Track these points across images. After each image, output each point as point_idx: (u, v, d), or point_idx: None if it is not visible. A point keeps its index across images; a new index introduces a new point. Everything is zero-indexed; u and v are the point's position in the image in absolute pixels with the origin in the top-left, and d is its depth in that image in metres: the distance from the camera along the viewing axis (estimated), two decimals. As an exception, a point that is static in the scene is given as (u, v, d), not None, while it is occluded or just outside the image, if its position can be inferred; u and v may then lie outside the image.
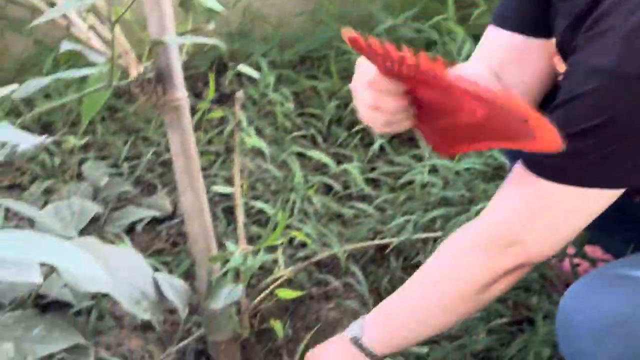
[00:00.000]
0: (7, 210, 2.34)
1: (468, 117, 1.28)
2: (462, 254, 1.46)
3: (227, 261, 1.84)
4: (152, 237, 2.52)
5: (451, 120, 1.34)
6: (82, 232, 1.87)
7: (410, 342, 1.59)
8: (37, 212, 1.73)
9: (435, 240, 2.24)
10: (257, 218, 2.41)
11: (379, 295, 2.18)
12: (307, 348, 1.94)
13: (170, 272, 2.27)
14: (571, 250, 2.08)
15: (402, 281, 2.17)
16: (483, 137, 1.36)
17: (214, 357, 1.99)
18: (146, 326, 2.13)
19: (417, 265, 2.22)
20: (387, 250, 2.24)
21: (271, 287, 1.85)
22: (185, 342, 1.79)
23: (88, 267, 1.34)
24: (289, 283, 2.10)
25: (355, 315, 2.06)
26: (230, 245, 1.84)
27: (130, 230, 2.47)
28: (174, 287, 1.67)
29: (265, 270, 2.11)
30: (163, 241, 2.49)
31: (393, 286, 2.20)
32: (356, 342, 1.57)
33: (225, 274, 1.78)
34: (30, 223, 1.74)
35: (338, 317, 2.08)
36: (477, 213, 2.27)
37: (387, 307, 1.61)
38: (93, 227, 2.08)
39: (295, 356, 2.03)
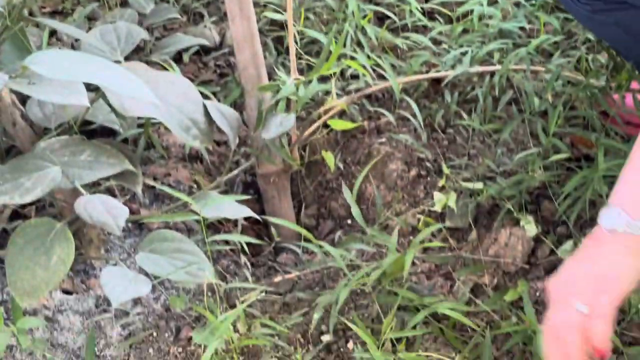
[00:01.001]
0: (51, 35, 2.30)
1: None
2: None
3: (278, 91, 1.79)
4: (199, 68, 2.47)
5: None
6: (128, 59, 1.83)
7: None
8: (83, 34, 1.68)
9: (492, 75, 2.16)
10: (309, 49, 2.34)
11: (432, 130, 2.13)
12: (362, 183, 1.92)
13: (219, 102, 2.23)
14: (635, 85, 2.00)
15: (456, 116, 2.13)
16: None
17: (263, 189, 1.98)
18: (194, 157, 2.12)
19: (472, 100, 2.17)
20: (442, 84, 2.17)
21: (323, 118, 1.81)
22: (234, 172, 1.77)
23: (137, 90, 1.31)
24: (341, 116, 2.06)
25: (407, 150, 2.03)
26: (281, 74, 1.78)
27: (176, 59, 2.42)
28: (224, 114, 1.64)
29: (317, 101, 2.06)
30: (210, 72, 2.44)
31: (447, 121, 2.15)
32: (625, 226, 1.22)
33: (276, 104, 1.74)
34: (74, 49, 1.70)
35: (390, 151, 2.04)
36: (537, 47, 2.19)
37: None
38: (139, 55, 2.04)
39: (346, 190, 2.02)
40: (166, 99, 1.55)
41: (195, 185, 2.01)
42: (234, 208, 1.54)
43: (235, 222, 2.02)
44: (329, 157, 1.73)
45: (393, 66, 2.18)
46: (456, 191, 1.92)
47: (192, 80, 2.38)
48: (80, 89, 1.30)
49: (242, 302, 1.67)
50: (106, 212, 1.33)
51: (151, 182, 1.95)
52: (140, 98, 1.30)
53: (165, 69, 1.90)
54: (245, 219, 2.07)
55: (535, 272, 1.82)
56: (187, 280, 1.46)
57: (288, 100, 1.80)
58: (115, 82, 1.28)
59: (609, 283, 1.20)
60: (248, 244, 1.89)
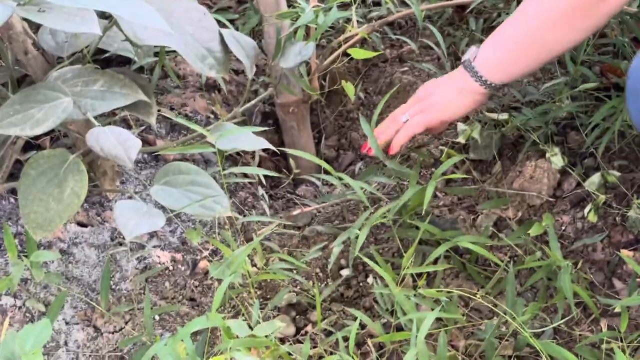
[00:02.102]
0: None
1: None
2: None
3: (297, 19, 1.74)
4: (217, -6, 2.42)
5: None
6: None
7: (522, 69, 1.51)
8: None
9: (519, 1, 2.09)
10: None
11: (456, 59, 2.08)
12: (380, 113, 1.88)
13: (237, 30, 2.18)
14: (670, 11, 1.93)
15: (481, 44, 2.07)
16: None
17: (282, 119, 1.94)
18: (211, 86, 2.08)
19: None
20: (467, 11, 2.10)
21: (343, 46, 1.75)
22: (251, 102, 1.73)
23: (149, 18, 1.27)
24: (362, 44, 2.01)
25: (429, 79, 1.98)
26: (300, 1, 1.72)
27: (193, -15, 2.36)
28: (241, 43, 1.59)
29: (337, 30, 2.01)
30: (229, -2, 2.39)
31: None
32: (468, 64, 1.52)
33: (294, 32, 1.68)
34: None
35: (412, 80, 1.99)
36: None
37: (501, 30, 1.51)
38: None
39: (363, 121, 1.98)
40: (181, 27, 1.51)
41: (212, 116, 1.98)
42: (250, 140, 1.50)
43: (253, 154, 1.99)
44: (349, 87, 1.69)
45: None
46: (480, 122, 1.87)
47: (209, 8, 2.33)
48: (92, 16, 1.26)
49: (259, 235, 1.65)
50: (118, 144, 1.30)
51: (167, 113, 1.92)
52: (153, 26, 1.25)
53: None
54: (264, 150, 2.04)
55: (561, 205, 1.78)
56: (203, 213, 1.44)
57: (307, 28, 1.75)
58: (126, 9, 1.24)
59: (432, 110, 1.56)
60: (266, 176, 1.86)
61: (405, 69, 2.02)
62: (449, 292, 1.55)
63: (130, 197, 1.53)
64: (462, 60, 1.54)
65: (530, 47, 1.44)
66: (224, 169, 1.82)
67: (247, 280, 1.50)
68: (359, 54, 1.64)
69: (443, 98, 1.56)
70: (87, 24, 1.26)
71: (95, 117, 1.38)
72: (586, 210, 1.73)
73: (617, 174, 1.75)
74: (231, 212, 1.51)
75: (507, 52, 1.48)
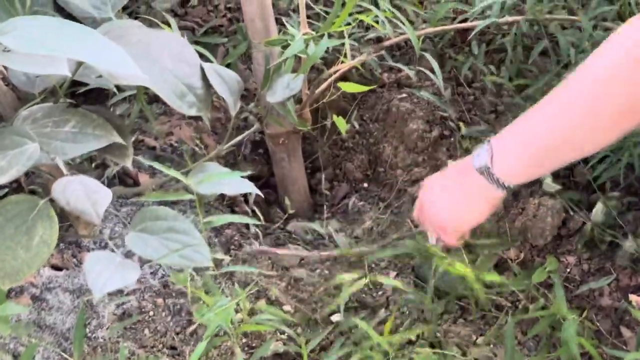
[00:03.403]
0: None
1: None
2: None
3: (287, 46, 1.66)
4: (209, 11, 2.34)
5: None
6: (126, 9, 1.71)
7: (548, 169, 1.25)
8: (68, -10, 1.55)
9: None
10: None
11: (458, 84, 2.00)
12: (376, 142, 1.81)
13: (226, 54, 2.11)
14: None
15: (485, 67, 1.98)
16: None
17: (272, 150, 1.87)
18: (199, 113, 2.00)
19: (502, 50, 2.02)
20: (470, 33, 2.02)
21: (333, 76, 1.68)
22: (237, 139, 1.64)
23: (119, 63, 1.19)
24: (358, 68, 1.94)
25: (429, 107, 1.91)
26: (290, 28, 1.65)
27: (185, 2, 2.29)
28: (224, 78, 1.52)
29: (331, 56, 1.93)
30: (220, 16, 2.31)
31: (474, 73, 2.01)
32: (485, 170, 1.23)
33: (282, 62, 1.61)
34: (57, 7, 1.57)
35: (410, 108, 1.92)
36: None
37: (523, 127, 1.21)
38: (138, 3, 1.91)
39: (363, 150, 1.91)
40: (159, 62, 1.44)
41: (199, 146, 1.91)
42: (235, 183, 1.43)
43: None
44: (341, 122, 1.61)
45: (416, 14, 2.03)
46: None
47: (199, 26, 2.26)
48: (60, 56, 1.19)
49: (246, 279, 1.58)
50: (86, 197, 1.23)
51: (151, 142, 1.85)
52: (124, 72, 1.18)
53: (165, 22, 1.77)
54: (255, 180, 1.97)
55: (567, 245, 1.71)
56: (181, 264, 1.37)
57: (299, 56, 1.67)
58: (93, 55, 1.17)
59: (452, 223, 1.32)
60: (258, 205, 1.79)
61: (404, 95, 1.94)
62: (446, 339, 1.49)
63: (105, 245, 1.46)
64: (474, 164, 1.24)
65: (561, 149, 1.16)
66: (212, 204, 1.75)
67: (232, 331, 1.43)
68: (350, 87, 1.56)
69: (459, 212, 1.33)
70: (55, 65, 1.20)
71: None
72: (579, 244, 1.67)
73: (617, 194, 1.68)
74: (216, 256, 1.44)
75: (534, 158, 1.21)
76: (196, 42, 2.03)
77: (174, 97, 1.43)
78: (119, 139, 1.39)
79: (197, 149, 1.89)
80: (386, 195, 1.87)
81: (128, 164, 1.42)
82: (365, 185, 1.93)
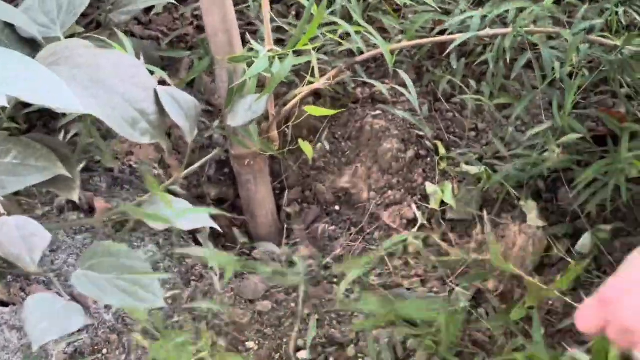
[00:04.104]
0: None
1: None
2: None
3: (252, 63, 1.58)
4: (175, 19, 2.25)
5: None
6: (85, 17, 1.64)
7: None
8: (14, 10, 1.46)
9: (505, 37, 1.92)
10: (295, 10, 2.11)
11: (435, 99, 1.93)
12: (349, 162, 1.74)
13: (191, 65, 2.03)
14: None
15: (464, 84, 1.90)
16: None
17: (237, 172, 1.79)
18: (161, 131, 1.92)
19: (484, 63, 1.94)
20: (449, 49, 1.93)
21: (299, 97, 1.60)
22: (196, 165, 1.55)
23: (57, 97, 1.12)
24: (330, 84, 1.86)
25: (405, 125, 1.83)
26: (255, 44, 1.57)
27: (148, 9, 2.20)
28: (179, 102, 1.44)
29: (305, 67, 1.83)
30: (187, 24, 2.22)
31: (453, 88, 1.93)
32: None
33: (243, 83, 1.53)
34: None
35: (385, 126, 1.84)
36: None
37: None
38: (92, 16, 1.82)
39: (334, 170, 1.83)
40: (109, 87, 1.35)
41: (159, 168, 1.83)
42: (192, 218, 1.35)
43: (207, 204, 1.84)
44: (307, 148, 1.54)
45: (392, 27, 1.94)
46: (458, 177, 1.73)
47: (165, 35, 2.18)
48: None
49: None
50: (21, 240, 1.16)
51: (110, 163, 1.77)
52: (64, 106, 1.10)
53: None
54: (220, 202, 1.90)
55: (549, 274, 1.64)
56: (132, 305, 1.29)
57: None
58: (29, 88, 1.09)
59: None
60: (219, 235, 1.72)
61: (378, 112, 1.86)
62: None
63: (48, 283, 1.38)
64: None
65: None
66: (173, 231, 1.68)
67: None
68: (316, 111, 1.49)
69: None
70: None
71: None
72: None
73: (608, 227, 1.61)
74: (165, 303, 1.37)
75: None
76: (161, 58, 1.96)
77: (124, 124, 1.35)
78: (63, 171, 1.31)
79: (158, 171, 1.81)
80: (358, 219, 1.80)
81: (74, 197, 1.34)
82: (337, 208, 1.86)
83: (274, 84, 1.50)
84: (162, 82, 2.02)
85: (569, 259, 1.63)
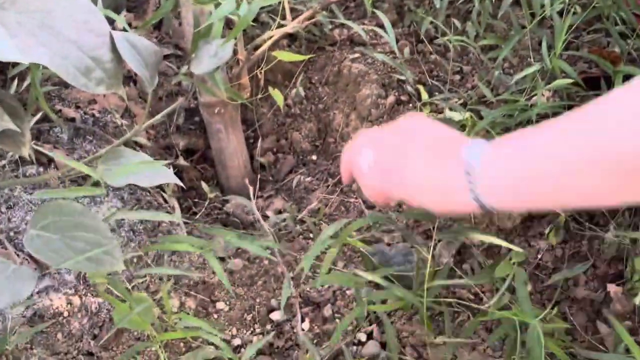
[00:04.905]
0: None
1: None
2: None
3: (218, 4, 1.51)
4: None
5: None
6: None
7: (539, 206, 1.04)
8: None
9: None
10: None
11: (418, 41, 1.85)
12: (326, 109, 1.67)
13: (158, 5, 1.95)
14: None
15: (448, 25, 1.83)
16: None
17: (207, 121, 1.72)
18: (125, 77, 1.86)
19: (467, 1, 1.87)
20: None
21: (269, 42, 1.53)
22: (170, 108, 1.49)
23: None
24: (305, 27, 1.79)
25: (385, 69, 1.76)
26: (221, -18, 1.49)
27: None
28: (138, 49, 1.37)
29: (274, 12, 1.77)
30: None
31: (437, 28, 1.86)
32: (471, 181, 0.97)
33: (209, 27, 1.46)
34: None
35: (364, 70, 1.77)
36: None
37: (527, 151, 0.96)
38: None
39: (311, 117, 1.77)
40: (60, 33, 1.29)
41: (124, 118, 1.76)
42: (153, 175, 1.29)
43: (176, 155, 1.78)
44: (278, 95, 1.47)
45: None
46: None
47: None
48: None
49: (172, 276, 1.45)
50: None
51: (72, 113, 1.70)
52: (6, 56, 1.03)
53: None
54: (190, 153, 1.83)
55: (538, 227, 1.59)
56: (89, 269, 1.24)
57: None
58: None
59: (396, 190, 1.02)
60: (190, 188, 1.66)
61: (357, 55, 1.79)
62: (400, 338, 1.38)
63: (3, 244, 1.33)
64: (463, 159, 0.94)
65: (565, 190, 0.97)
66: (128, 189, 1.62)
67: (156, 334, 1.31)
68: (286, 56, 1.42)
69: (420, 187, 1.04)
70: None
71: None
72: (547, 230, 1.55)
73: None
74: (125, 266, 1.32)
75: (531, 194, 0.98)
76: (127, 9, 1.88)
77: (77, 74, 1.28)
78: (11, 125, 1.25)
79: (122, 120, 1.75)
80: (336, 170, 1.74)
81: (24, 153, 1.28)
82: (314, 157, 1.80)
83: (240, 28, 1.43)
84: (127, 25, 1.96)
85: (558, 210, 1.58)
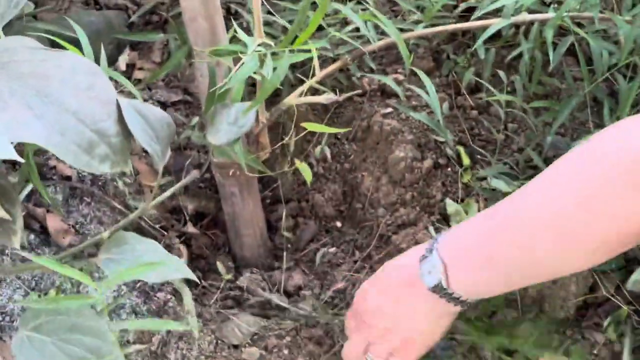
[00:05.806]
0: None
1: None
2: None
3: (236, 57, 1.37)
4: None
5: None
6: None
7: (510, 288, 1.15)
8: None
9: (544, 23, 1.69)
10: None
11: (457, 94, 1.71)
12: (353, 169, 1.53)
13: (166, 43, 1.81)
14: None
15: (494, 79, 1.69)
16: None
17: (219, 183, 1.58)
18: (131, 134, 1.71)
19: (511, 46, 1.73)
20: (480, 40, 1.70)
21: (294, 101, 1.39)
22: (165, 194, 1.34)
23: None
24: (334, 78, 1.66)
25: (421, 127, 1.63)
26: (242, 33, 1.36)
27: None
28: (148, 119, 1.24)
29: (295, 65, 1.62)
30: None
31: (478, 75, 1.71)
32: (439, 289, 1.13)
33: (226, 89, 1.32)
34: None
35: (397, 127, 1.63)
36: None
37: (484, 238, 1.10)
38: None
39: (336, 177, 1.64)
40: (60, 102, 1.14)
41: (128, 178, 1.62)
42: (160, 271, 1.15)
43: (184, 220, 1.64)
44: (305, 170, 1.34)
45: (410, 12, 1.72)
46: (484, 194, 1.53)
47: (135, 3, 1.95)
48: None
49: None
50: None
51: (67, 170, 1.57)
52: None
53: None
54: (200, 218, 1.70)
55: (594, 317, 1.46)
56: (87, 379, 1.11)
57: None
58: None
59: (406, 347, 1.19)
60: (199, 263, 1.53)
61: (389, 110, 1.65)
62: None
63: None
64: (425, 283, 1.14)
65: (531, 268, 1.08)
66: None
67: None
68: (315, 127, 1.29)
69: (412, 329, 1.20)
70: None
71: None
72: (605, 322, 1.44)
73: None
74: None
75: (498, 275, 1.10)
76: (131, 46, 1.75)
77: (78, 152, 1.12)
78: (1, 212, 1.11)
79: (123, 180, 1.61)
80: (364, 241, 1.60)
81: (16, 244, 1.14)
82: (338, 224, 1.66)
83: (267, 92, 1.29)
84: (131, 65, 1.82)
85: (617, 300, 1.45)
